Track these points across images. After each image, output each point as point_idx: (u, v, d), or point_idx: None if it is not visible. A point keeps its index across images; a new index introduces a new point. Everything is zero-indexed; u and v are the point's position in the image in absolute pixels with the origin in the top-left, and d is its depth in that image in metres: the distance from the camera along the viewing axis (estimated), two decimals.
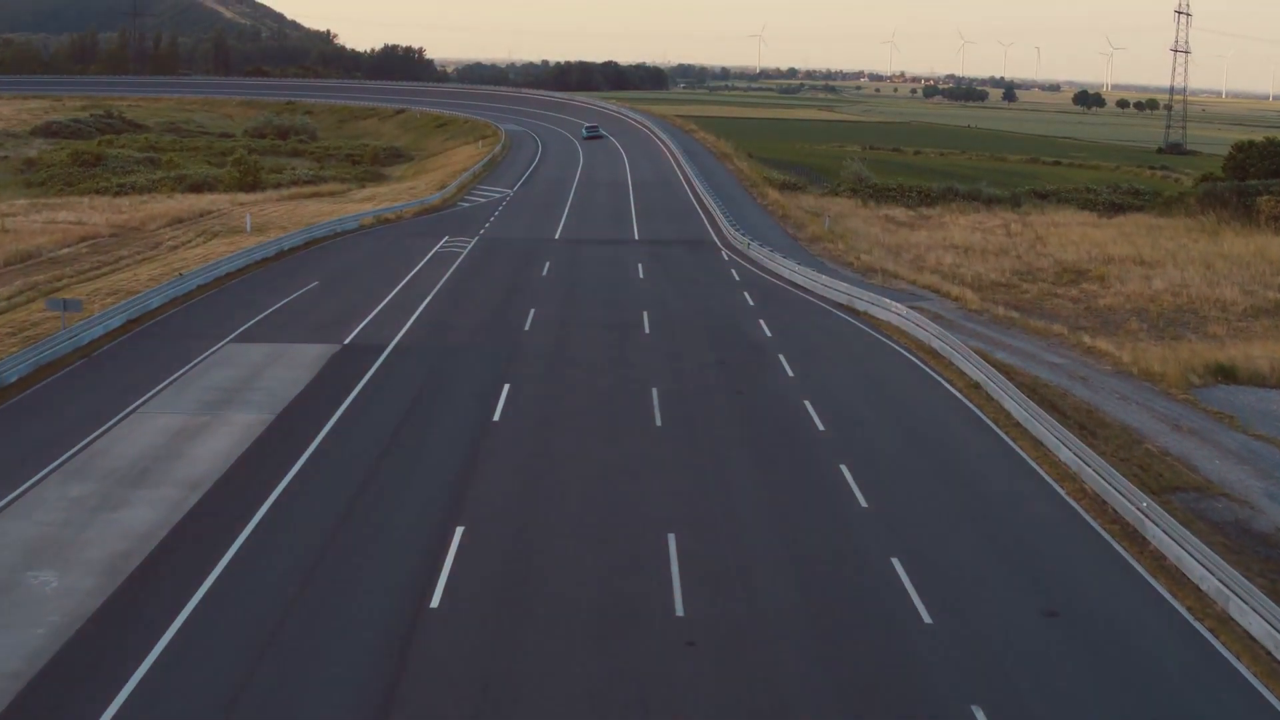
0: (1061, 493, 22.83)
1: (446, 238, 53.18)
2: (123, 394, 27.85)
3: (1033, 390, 29.28)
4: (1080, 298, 44.82)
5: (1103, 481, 22.58)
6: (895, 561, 19.10)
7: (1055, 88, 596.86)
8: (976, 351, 31.78)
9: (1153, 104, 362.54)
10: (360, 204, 66.37)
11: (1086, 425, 27.45)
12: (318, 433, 24.96)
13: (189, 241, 53.79)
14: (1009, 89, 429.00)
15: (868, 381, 30.20)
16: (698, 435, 25.25)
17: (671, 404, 27.45)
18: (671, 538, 19.77)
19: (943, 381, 30.42)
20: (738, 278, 45.08)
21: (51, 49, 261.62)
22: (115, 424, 25.70)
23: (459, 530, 20.01)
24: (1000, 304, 41.56)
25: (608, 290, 41.81)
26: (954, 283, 45.03)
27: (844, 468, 23.38)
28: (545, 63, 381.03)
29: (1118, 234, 61.20)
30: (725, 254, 51.03)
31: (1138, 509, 21.01)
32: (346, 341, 33.08)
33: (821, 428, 25.95)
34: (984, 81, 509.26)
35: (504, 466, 23.11)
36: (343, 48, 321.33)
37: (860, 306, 38.65)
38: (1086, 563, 19.68)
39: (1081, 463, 23.60)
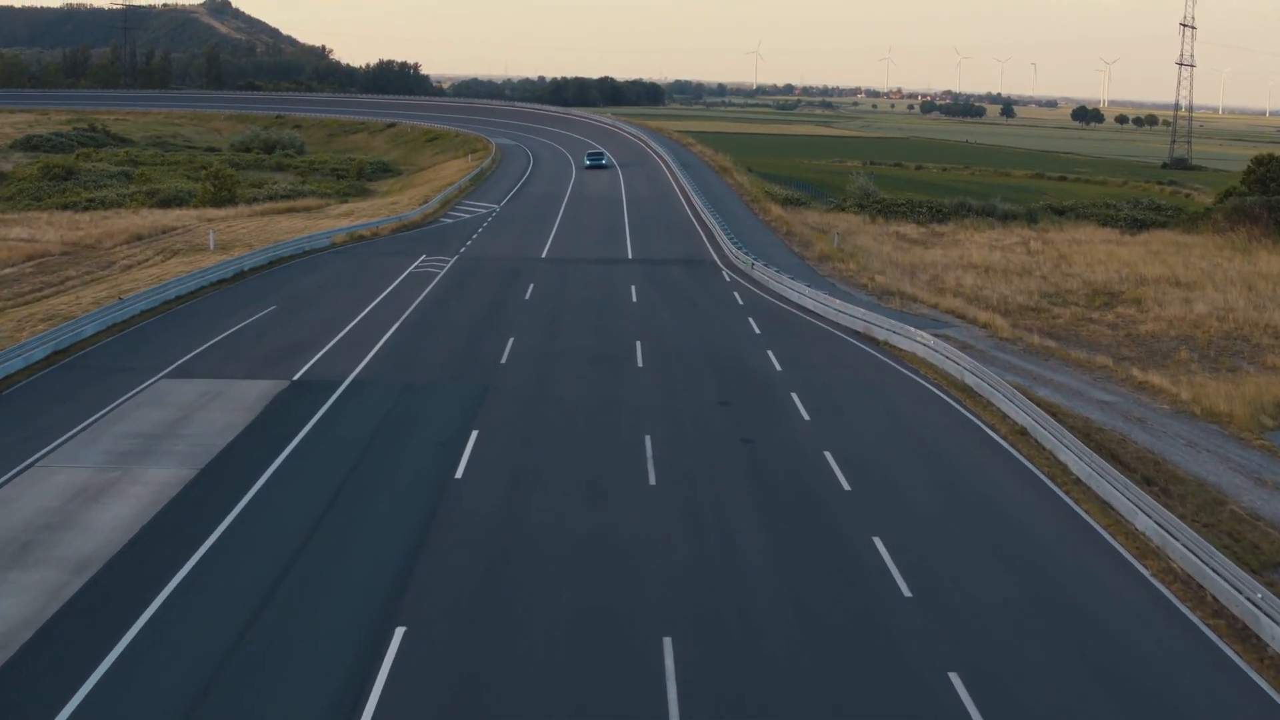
0: (1145, 574, 18.68)
1: (424, 256, 49.08)
2: (26, 441, 23.71)
3: (1086, 436, 25.17)
4: (1118, 323, 40.75)
5: (1195, 559, 18.46)
6: (955, 679, 14.92)
7: (1052, 103, 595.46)
8: (1017, 388, 27.69)
9: (1151, 119, 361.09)
10: (336, 220, 62.28)
11: (1155, 480, 23.35)
12: (243, 495, 20.77)
13: (146, 260, 49.67)
14: (1007, 105, 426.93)
15: (896, 426, 26.03)
16: (700, 498, 21.06)
17: (668, 456, 23.30)
18: (668, 643, 15.60)
19: (983, 426, 26.27)
20: (741, 301, 40.97)
21: (43, 63, 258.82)
22: (7, 481, 21.54)
23: (399, 633, 15.82)
24: (1034, 331, 37.47)
25: (597, 316, 37.69)
26: (980, 306, 40.96)
27: (878, 542, 19.21)
28: (542, 78, 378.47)
29: (1145, 252, 57.26)
30: (727, 274, 46.96)
31: (1250, 601, 16.87)
32: (296, 377, 28.92)
33: (847, 487, 21.78)
34: (981, 97, 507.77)
35: (463, 541, 18.92)
36: (338, 63, 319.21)
37: (879, 335, 34.54)
38: (1195, 676, 15.50)
39: (1165, 534, 19.48)
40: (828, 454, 23.60)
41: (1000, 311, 40.59)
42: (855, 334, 35.41)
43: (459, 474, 22.02)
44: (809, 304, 39.19)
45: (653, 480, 21.83)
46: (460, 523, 19.63)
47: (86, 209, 72.74)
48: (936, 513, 20.76)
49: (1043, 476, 22.97)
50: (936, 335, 33.22)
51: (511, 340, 33.50)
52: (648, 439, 24.27)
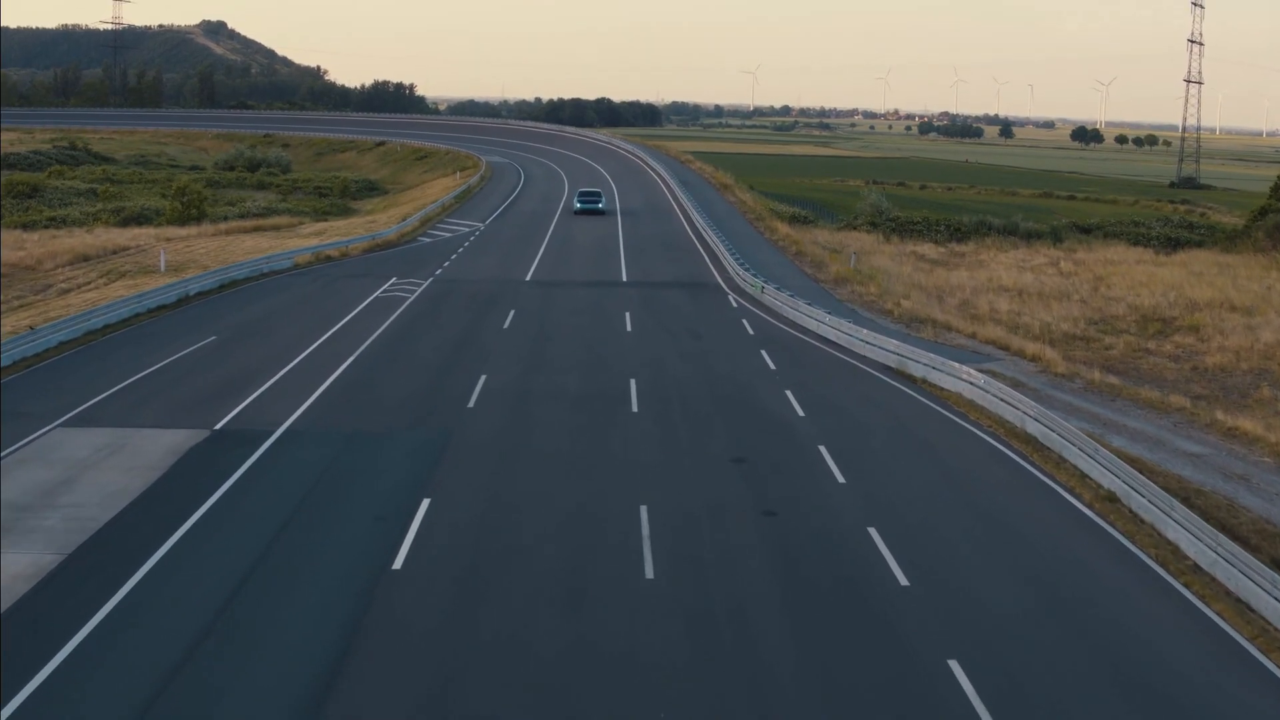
0: None
1: (394, 279, 44.14)
2: None
3: (1187, 501, 20.23)
4: (1179, 354, 35.87)
5: None
6: None
7: (1049, 124, 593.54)
8: (1091, 438, 22.74)
9: (1151, 139, 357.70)
10: (305, 239, 57.36)
11: None
12: (114, 592, 15.75)
13: (87, 284, 44.75)
14: (1005, 126, 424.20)
15: (953, 491, 21.03)
16: (714, 601, 16.02)
17: (670, 535, 18.30)
18: None
19: (1059, 490, 21.28)
20: (752, 331, 36.00)
21: (33, 83, 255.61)
22: None
23: None
24: (1091, 365, 32.52)
25: (586, 348, 32.73)
26: (1023, 336, 36.04)
27: (955, 667, 14.20)
28: (538, 100, 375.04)
29: (1187, 273, 52.47)
30: (733, 299, 42.03)
31: None
32: (219, 425, 23.91)
33: (904, 582, 16.76)
34: (978, 118, 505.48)
35: (390, 673, 13.88)
36: (333, 83, 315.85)
37: (916, 371, 29.60)
38: None
39: None
40: (873, 532, 18.61)
41: (1046, 341, 35.71)
42: (887, 370, 30.46)
43: (398, 563, 16.99)
44: (830, 334, 34.24)
45: (650, 573, 16.79)
46: (390, 642, 14.58)
47: (47, 227, 68.01)
48: (1024, 619, 15.75)
49: (1150, 562, 17.98)
50: (983, 371, 28.31)
51: (484, 378, 28.53)
52: (644, 511, 19.27)
